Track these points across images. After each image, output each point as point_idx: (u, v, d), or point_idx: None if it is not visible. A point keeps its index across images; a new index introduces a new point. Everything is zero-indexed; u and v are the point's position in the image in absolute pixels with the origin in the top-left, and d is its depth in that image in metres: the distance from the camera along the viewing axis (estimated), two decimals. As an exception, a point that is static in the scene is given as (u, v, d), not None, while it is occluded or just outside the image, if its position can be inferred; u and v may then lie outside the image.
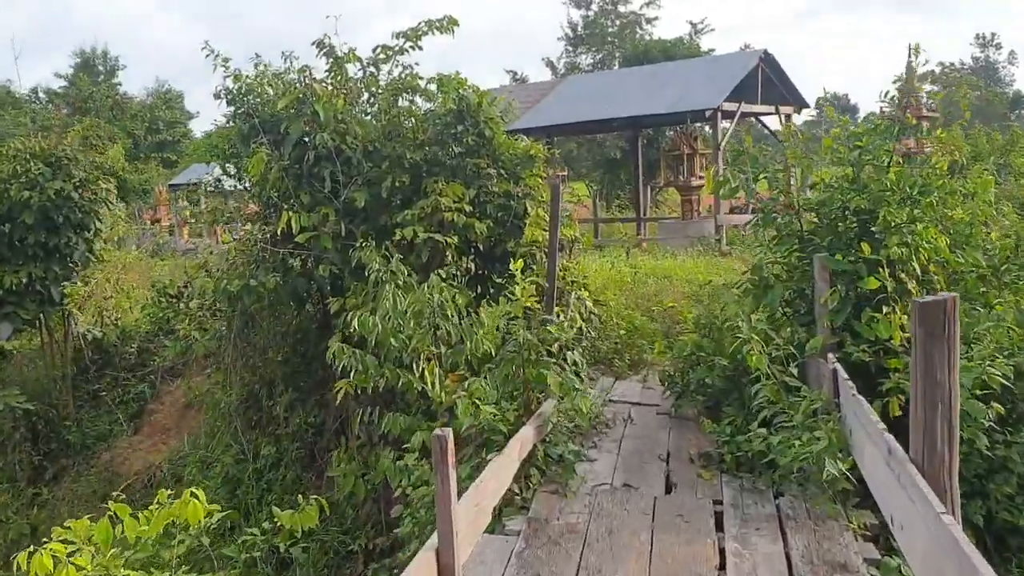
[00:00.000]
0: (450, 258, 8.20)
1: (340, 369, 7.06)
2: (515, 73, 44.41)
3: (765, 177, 6.52)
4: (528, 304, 6.78)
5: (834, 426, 4.89)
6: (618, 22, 44.51)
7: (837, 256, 6.04)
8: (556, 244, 7.59)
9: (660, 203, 35.67)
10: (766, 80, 20.76)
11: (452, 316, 6.90)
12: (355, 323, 6.87)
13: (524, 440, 5.39)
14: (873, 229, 5.99)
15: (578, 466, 5.95)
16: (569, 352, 7.09)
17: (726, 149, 20.84)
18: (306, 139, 9.00)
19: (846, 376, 5.10)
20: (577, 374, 7.09)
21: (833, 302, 5.84)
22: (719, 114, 19.26)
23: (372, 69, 9.63)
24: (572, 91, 23.09)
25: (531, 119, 21.78)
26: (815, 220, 6.41)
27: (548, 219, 8.20)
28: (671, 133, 35.02)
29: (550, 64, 43.97)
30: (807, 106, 22.34)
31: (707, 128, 30.79)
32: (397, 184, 8.69)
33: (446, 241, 8.12)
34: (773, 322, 6.05)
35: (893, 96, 7.14)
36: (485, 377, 6.44)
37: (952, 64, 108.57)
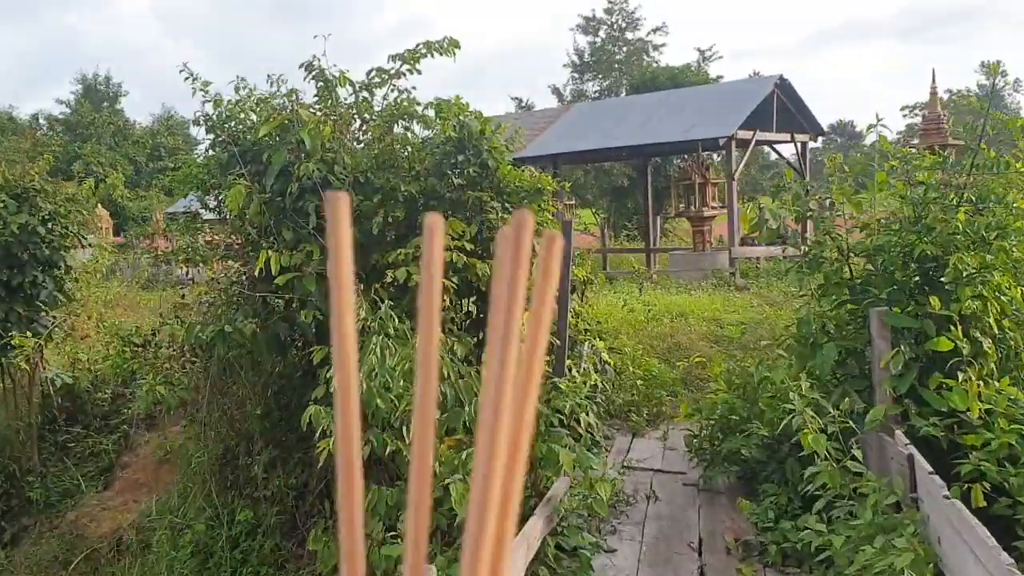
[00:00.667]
0: (448, 302, 7.32)
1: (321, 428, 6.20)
2: (520, 100, 43.88)
3: (809, 217, 5.63)
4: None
5: (915, 530, 3.96)
6: (625, 49, 43.95)
7: (896, 310, 5.15)
8: (567, 290, 6.70)
9: (668, 232, 34.90)
10: (781, 107, 19.97)
11: (449, 374, 6.02)
12: (333, 384, 5.97)
13: (531, 538, 4.47)
14: (942, 279, 5.10)
15: (595, 559, 5.02)
16: (583, 415, 6.18)
17: (739, 179, 20.07)
18: (290, 169, 8.18)
19: (929, 469, 4.18)
20: (594, 441, 6.18)
21: (896, 365, 4.93)
22: (733, 143, 18.44)
23: (365, 94, 8.82)
24: (579, 119, 22.32)
25: (537, 148, 21.00)
26: (869, 267, 5.51)
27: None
28: (679, 162, 34.42)
29: (556, 91, 43.37)
30: (823, 133, 21.53)
31: (716, 157, 30.09)
32: (390, 219, 7.84)
33: (443, 284, 7.23)
34: (823, 387, 5.14)
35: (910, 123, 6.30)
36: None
37: (960, 91, 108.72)
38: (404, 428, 6.13)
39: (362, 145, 8.89)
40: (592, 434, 6.40)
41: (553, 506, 4.87)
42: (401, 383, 6.06)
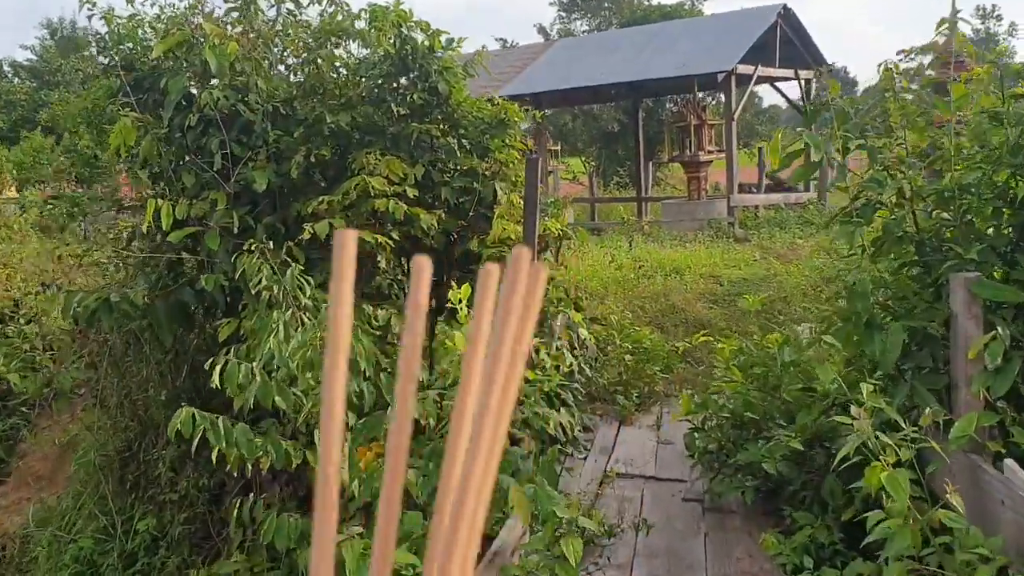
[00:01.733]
0: (384, 264, 5.76)
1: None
2: (505, 41, 41.72)
3: (861, 146, 4.07)
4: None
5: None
6: (615, -11, 41.78)
7: (995, 276, 3.62)
8: (534, 246, 5.14)
9: (661, 181, 33.19)
10: (784, 40, 18.22)
11: (364, 368, 4.49)
12: (215, 377, 4.45)
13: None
14: (1061, 233, 3.58)
15: (561, 634, 3.53)
16: (553, 412, 4.66)
17: (739, 119, 18.41)
18: (193, 98, 6.54)
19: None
20: (570, 440, 4.71)
21: (993, 357, 3.41)
22: (733, 79, 16.73)
23: (290, 5, 7.14)
24: (565, 55, 20.49)
25: (517, 86, 19.23)
26: (946, 217, 3.96)
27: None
28: (672, 106, 32.58)
29: (542, 31, 41.27)
30: (831, 70, 19.80)
31: (711, 99, 28.32)
32: (314, 159, 6.23)
33: (377, 240, 5.64)
34: (885, 388, 3.64)
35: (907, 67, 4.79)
36: (417, 462, 4.06)
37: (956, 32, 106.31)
38: (316, 434, 4.63)
39: (286, 71, 7.22)
40: (564, 437, 4.90)
41: (500, 565, 3.37)
42: (307, 375, 4.53)
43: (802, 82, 19.26)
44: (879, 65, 4.58)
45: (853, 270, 3.92)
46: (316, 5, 6.98)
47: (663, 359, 7.55)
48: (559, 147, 22.55)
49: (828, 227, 4.17)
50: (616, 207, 24.11)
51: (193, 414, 4.41)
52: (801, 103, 19.85)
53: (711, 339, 5.09)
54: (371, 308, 5.50)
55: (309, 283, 5.20)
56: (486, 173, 6.35)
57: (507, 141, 6.54)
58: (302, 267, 5.24)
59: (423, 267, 0.49)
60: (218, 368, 4.51)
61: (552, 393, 4.94)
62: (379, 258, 5.66)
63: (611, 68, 18.32)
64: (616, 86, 18.32)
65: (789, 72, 18.76)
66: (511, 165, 6.51)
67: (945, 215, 3.95)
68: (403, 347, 0.48)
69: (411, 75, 6.51)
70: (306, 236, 5.68)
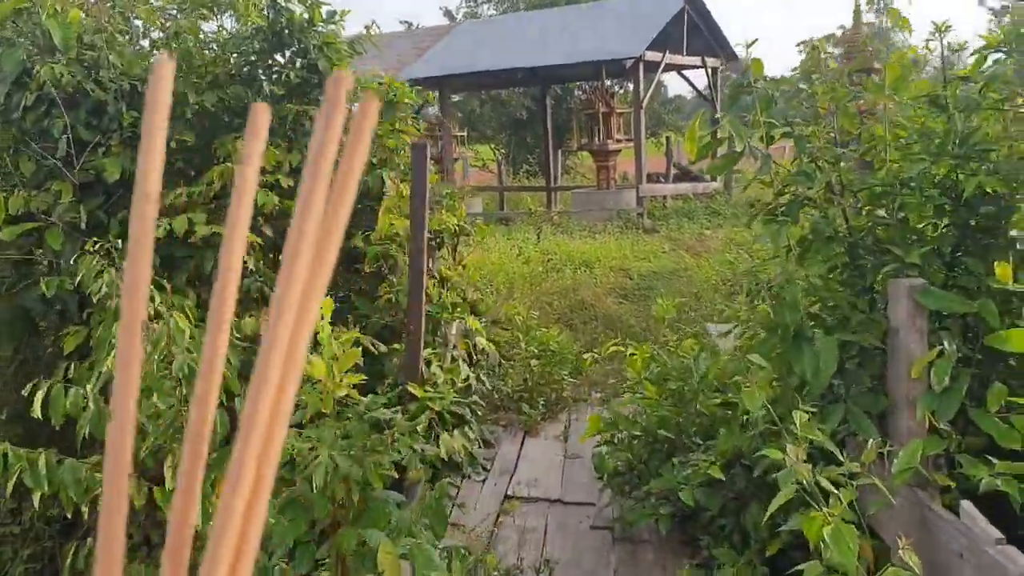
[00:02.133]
0: (253, 265, 5.05)
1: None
2: (410, 24, 40.65)
3: (787, 134, 3.59)
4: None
5: None
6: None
7: (935, 282, 3.19)
8: (422, 245, 4.53)
9: (571, 169, 32.88)
10: (692, 27, 18.01)
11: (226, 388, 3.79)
12: (36, 405, 3.72)
13: None
14: (1011, 235, 3.16)
15: None
16: (446, 435, 4.07)
17: (644, 110, 18.11)
18: (32, 74, 5.67)
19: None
20: (454, 480, 4.14)
21: (940, 376, 2.98)
22: (641, 66, 16.38)
23: (152, -28, 6.32)
24: (469, 37, 19.83)
25: (419, 68, 18.49)
26: (881, 214, 3.52)
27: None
28: (580, 94, 32.24)
29: (448, 14, 40.32)
30: (736, 59, 19.70)
31: (619, 88, 28.06)
32: (174, 145, 5.45)
33: (248, 240, 4.92)
34: (818, 411, 3.18)
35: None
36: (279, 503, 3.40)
37: (847, 28, 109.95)
38: (167, 469, 3.93)
39: (152, 46, 6.39)
40: (460, 459, 4.32)
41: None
42: (153, 400, 3.82)
43: (709, 70, 19.11)
44: (799, 44, 4.11)
45: (777, 274, 3.44)
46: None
47: (571, 362, 7.04)
48: (466, 133, 21.90)
49: (749, 224, 3.67)
50: (525, 196, 23.63)
51: (5, 452, 3.65)
52: (708, 91, 19.72)
53: (621, 349, 4.57)
54: (234, 317, 4.80)
55: (163, 288, 4.47)
56: (372, 160, 5.69)
57: (396, 125, 5.90)
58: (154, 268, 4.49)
59: (261, 115, 0.40)
60: (39, 394, 3.76)
61: (446, 411, 4.34)
62: (246, 259, 4.94)
63: (517, 52, 17.76)
64: (522, 71, 17.76)
65: (696, 60, 18.57)
66: (401, 152, 5.86)
67: (880, 212, 3.50)
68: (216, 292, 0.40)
69: (288, 51, 5.79)
70: (160, 234, 4.92)
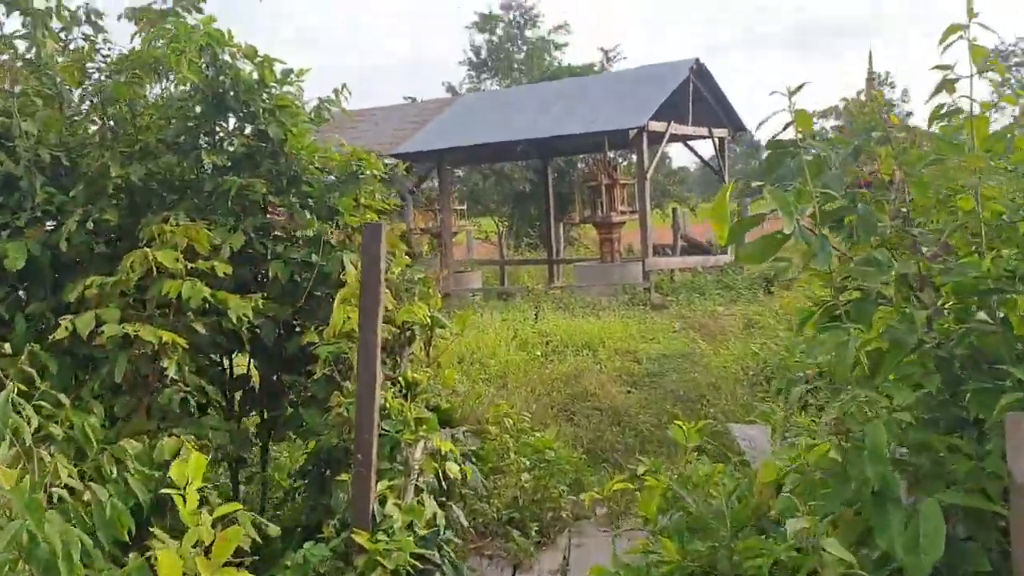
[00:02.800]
0: (176, 371, 4.10)
1: None
2: (414, 99, 40.56)
3: (846, 209, 2.68)
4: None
5: None
6: (525, 48, 41.25)
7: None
8: (373, 349, 3.59)
9: (574, 241, 32.17)
10: (697, 97, 17.39)
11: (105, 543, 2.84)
12: None
13: None
14: None
15: None
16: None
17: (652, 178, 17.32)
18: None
19: None
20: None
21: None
22: (645, 136, 15.69)
23: (88, 29, 5.55)
24: (469, 110, 19.27)
25: (418, 141, 17.87)
26: (986, 321, 2.57)
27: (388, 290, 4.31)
28: (583, 166, 31.73)
29: (451, 89, 40.21)
30: (744, 129, 19.09)
31: (623, 159, 27.45)
32: (90, 226, 4.58)
33: (161, 339, 3.99)
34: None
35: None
36: None
37: (853, 99, 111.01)
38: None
39: (92, 110, 5.56)
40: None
41: None
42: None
43: (716, 140, 18.44)
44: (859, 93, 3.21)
45: (844, 399, 2.48)
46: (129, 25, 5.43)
47: (571, 472, 6.03)
48: (465, 206, 21.19)
49: (798, 331, 2.74)
50: (527, 270, 22.82)
51: None
52: (716, 162, 19.03)
53: (629, 486, 3.58)
54: (148, 438, 3.83)
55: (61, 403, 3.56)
56: (331, 242, 4.80)
57: (361, 200, 5.03)
58: (43, 382, 3.55)
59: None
60: None
61: (404, 569, 3.35)
62: (166, 364, 4.00)
63: (518, 125, 17.14)
64: (523, 143, 17.10)
65: (703, 131, 17.91)
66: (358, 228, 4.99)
67: (983, 315, 2.56)
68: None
69: (233, 113, 4.96)
70: (61, 335, 4.00)
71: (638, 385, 9.40)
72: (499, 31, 41.17)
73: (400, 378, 4.43)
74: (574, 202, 29.33)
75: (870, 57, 15.90)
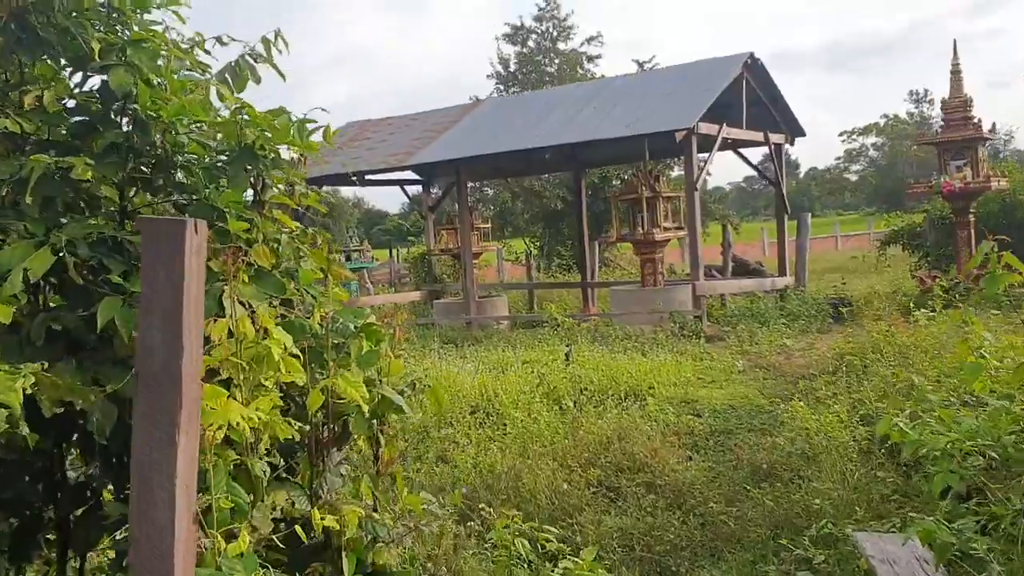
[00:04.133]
0: None
1: None
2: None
3: None
4: None
5: None
6: (557, 60, 39.32)
7: None
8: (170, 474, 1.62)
9: (609, 262, 29.96)
10: (752, 97, 15.20)
11: None
12: None
13: None
14: None
15: None
16: None
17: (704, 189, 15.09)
18: None
19: None
20: None
21: None
22: (694, 140, 13.54)
23: None
24: (491, 116, 17.25)
25: (433, 152, 15.87)
26: None
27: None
28: (618, 183, 29.49)
29: (477, 102, 38.33)
30: (802, 134, 16.87)
31: (666, 170, 25.26)
32: None
33: None
34: None
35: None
36: None
37: (895, 115, 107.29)
38: None
39: None
40: None
41: None
42: None
43: (772, 147, 16.23)
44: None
45: None
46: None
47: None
48: (490, 225, 19.16)
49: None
50: (559, 294, 20.69)
51: None
52: (773, 172, 16.80)
53: None
54: None
55: None
56: (211, 267, 2.74)
57: (263, 195, 2.97)
58: None
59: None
60: None
61: None
62: None
63: (545, 130, 15.07)
64: (551, 151, 15.00)
65: (758, 134, 15.71)
66: (278, 247, 2.92)
67: None
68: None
69: (52, 49, 2.95)
70: None
71: (700, 449, 7.23)
72: (530, 43, 39.31)
73: (323, 508, 2.33)
74: (610, 220, 27.12)
75: (955, 48, 13.62)
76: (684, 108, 13.69)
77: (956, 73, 13.59)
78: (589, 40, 39.27)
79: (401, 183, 19.84)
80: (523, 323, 16.29)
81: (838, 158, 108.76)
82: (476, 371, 9.35)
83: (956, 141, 13.27)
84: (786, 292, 15.59)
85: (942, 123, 13.72)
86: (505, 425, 7.75)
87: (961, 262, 13.27)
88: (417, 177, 19.94)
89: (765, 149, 16.51)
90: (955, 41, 13.67)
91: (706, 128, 13.75)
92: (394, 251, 40.99)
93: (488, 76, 37.62)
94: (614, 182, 30.97)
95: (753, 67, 14.98)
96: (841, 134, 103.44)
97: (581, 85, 19.90)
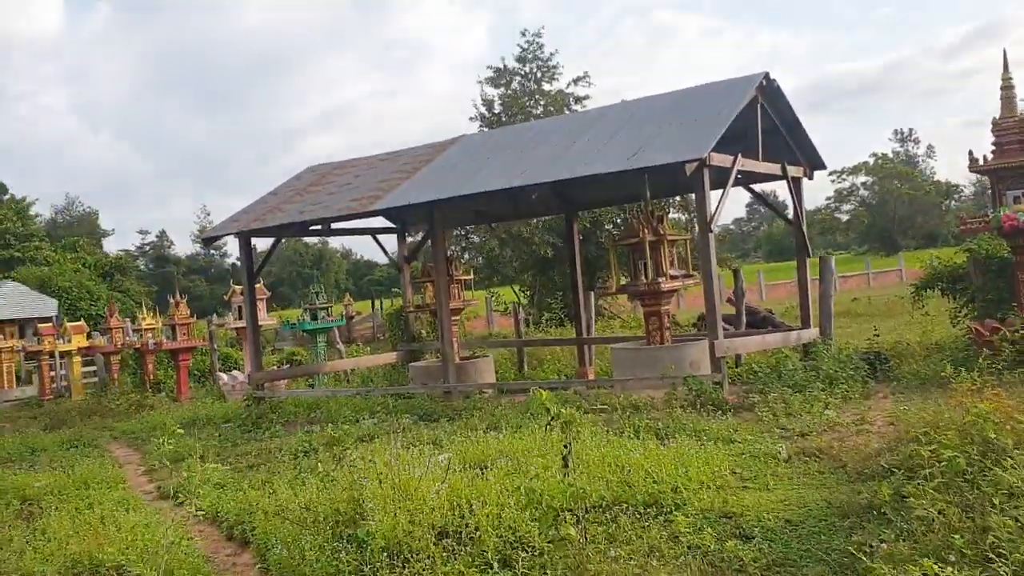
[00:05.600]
0: None
1: None
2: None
3: None
4: None
5: None
6: (543, 102, 37.60)
7: None
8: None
9: (604, 311, 27.84)
10: (768, 125, 13.24)
11: None
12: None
13: None
14: None
15: None
16: None
17: (691, 242, 12.89)
18: None
19: None
20: None
21: None
22: (706, 171, 11.50)
23: None
24: (470, 153, 15.19)
25: (404, 194, 13.76)
26: None
27: None
28: (612, 228, 27.46)
29: (454, 140, 36.43)
30: (823, 166, 14.89)
31: (669, 208, 23.17)
32: None
33: None
34: None
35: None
36: None
37: (884, 154, 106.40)
38: None
39: None
40: None
41: None
42: None
43: (790, 181, 14.22)
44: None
45: None
46: None
47: None
48: (471, 276, 17.02)
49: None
50: (552, 351, 18.51)
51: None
52: (793, 209, 14.76)
53: None
54: None
55: None
56: None
57: None
58: None
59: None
60: None
61: None
62: None
63: (532, 166, 13.01)
64: (537, 189, 12.93)
65: (775, 167, 13.71)
66: None
67: None
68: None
69: None
70: None
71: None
72: (514, 84, 37.56)
73: None
74: (604, 266, 25.08)
75: (1005, 59, 11.71)
76: (694, 136, 11.67)
77: (1008, 88, 11.65)
78: (576, 81, 37.46)
79: (372, 232, 17.72)
80: (507, 391, 14.07)
81: (828, 198, 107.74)
82: (447, 469, 7.14)
83: (1013, 167, 11.27)
84: (812, 347, 13.47)
85: (992, 147, 11.72)
86: (487, 561, 5.53)
87: (1027, 310, 11.22)
88: (390, 224, 17.87)
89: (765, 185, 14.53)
90: (1005, 51, 11.77)
91: (719, 159, 11.72)
92: (377, 303, 38.83)
93: (471, 119, 35.77)
94: (606, 226, 29.08)
95: (768, 89, 13.04)
96: (831, 174, 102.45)
97: (573, 116, 17.96)
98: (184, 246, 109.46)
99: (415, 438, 9.83)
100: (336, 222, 14.92)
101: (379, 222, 17.37)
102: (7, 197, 56.73)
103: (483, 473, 7.23)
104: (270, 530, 6.96)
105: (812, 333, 14.10)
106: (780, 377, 11.57)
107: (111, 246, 79.90)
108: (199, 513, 8.13)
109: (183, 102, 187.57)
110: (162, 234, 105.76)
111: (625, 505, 6.31)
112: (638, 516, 6.16)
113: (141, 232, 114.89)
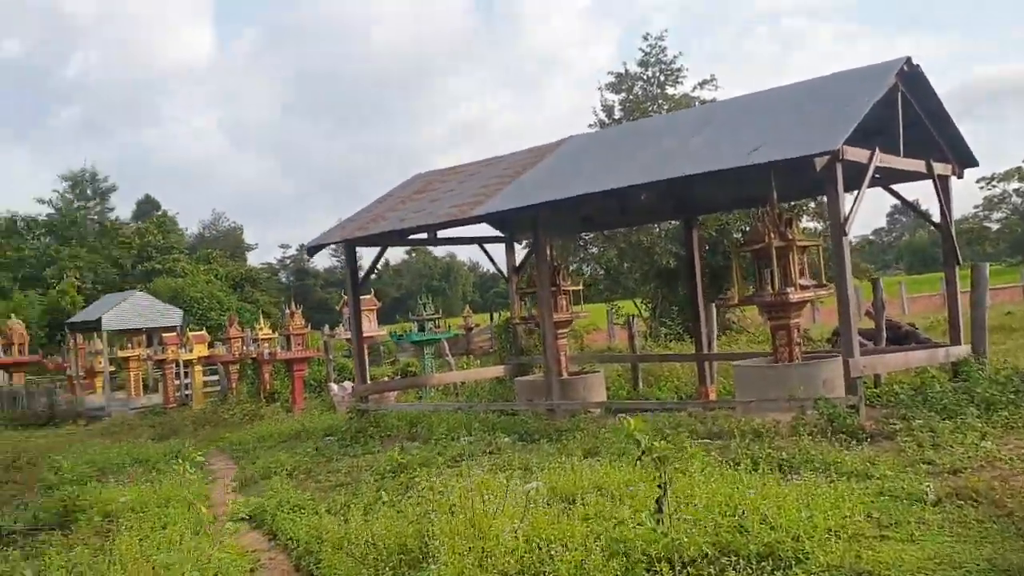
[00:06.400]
0: None
1: None
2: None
3: None
4: None
5: None
6: (666, 106, 36.24)
7: None
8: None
9: (732, 324, 26.33)
10: (910, 117, 11.77)
11: None
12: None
13: None
14: None
15: None
16: None
17: (818, 248, 11.52)
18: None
19: None
20: None
21: None
22: (839, 167, 10.21)
23: None
24: (577, 155, 14.30)
25: (504, 199, 13.02)
26: None
27: None
28: (738, 235, 25.89)
29: (561, 141, 35.56)
30: (975, 163, 13.21)
31: (797, 211, 21.61)
32: None
33: None
34: None
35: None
36: None
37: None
38: None
39: None
40: None
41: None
42: None
43: (936, 180, 12.63)
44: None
45: None
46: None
47: None
48: (580, 287, 16.08)
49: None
50: (670, 368, 17.37)
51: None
52: (941, 212, 13.14)
53: None
54: None
55: None
56: None
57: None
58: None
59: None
60: None
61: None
62: None
63: (642, 165, 12.01)
64: (647, 189, 11.89)
65: (919, 163, 12.18)
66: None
67: None
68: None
69: None
70: None
71: None
72: (636, 89, 36.29)
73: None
74: (731, 275, 23.52)
75: None
76: (824, 128, 10.41)
77: None
78: (702, 84, 35.63)
79: (479, 240, 17.08)
80: (618, 411, 13.06)
81: (976, 206, 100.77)
82: (529, 502, 6.29)
83: None
84: (964, 366, 11.86)
85: None
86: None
87: None
88: (498, 233, 17.18)
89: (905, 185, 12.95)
90: None
91: (854, 154, 10.40)
92: (495, 315, 38.43)
93: (590, 125, 34.76)
94: (735, 234, 27.48)
95: (910, 76, 11.56)
96: (979, 180, 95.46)
97: (688, 111, 16.79)
98: (323, 260, 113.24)
99: (506, 461, 9.01)
100: (436, 230, 14.34)
101: (486, 230, 16.74)
102: (159, 213, 59.93)
103: (570, 508, 6.32)
104: (335, 563, 6.29)
105: (963, 350, 12.45)
106: (926, 401, 10.12)
107: (254, 260, 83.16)
108: (270, 539, 7.58)
109: (321, 122, 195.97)
110: (301, 247, 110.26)
111: (734, 557, 5.26)
112: (749, 571, 5.10)
113: (282, 246, 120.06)
